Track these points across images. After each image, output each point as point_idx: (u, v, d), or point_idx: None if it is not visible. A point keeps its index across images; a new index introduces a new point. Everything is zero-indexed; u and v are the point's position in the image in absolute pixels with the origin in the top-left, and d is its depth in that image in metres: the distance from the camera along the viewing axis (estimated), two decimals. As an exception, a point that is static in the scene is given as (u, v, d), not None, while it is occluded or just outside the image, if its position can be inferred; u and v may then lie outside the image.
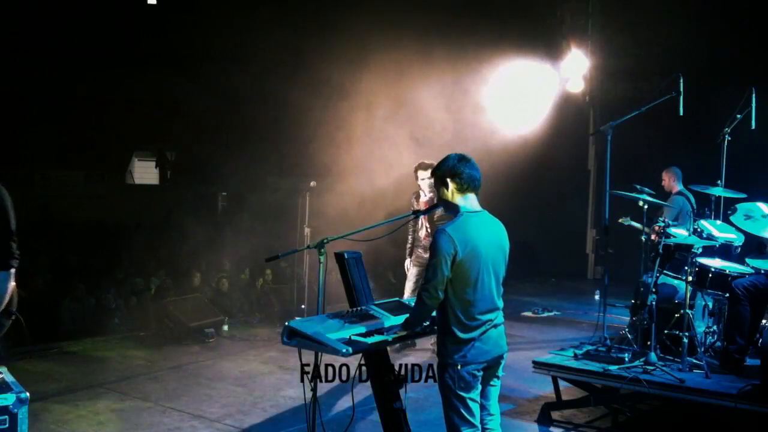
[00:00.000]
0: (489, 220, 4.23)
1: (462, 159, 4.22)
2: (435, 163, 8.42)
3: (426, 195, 8.37)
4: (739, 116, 7.65)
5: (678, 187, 8.99)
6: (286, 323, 4.20)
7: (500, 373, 4.30)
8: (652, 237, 8.85)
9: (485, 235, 4.13)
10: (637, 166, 9.53)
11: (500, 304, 4.23)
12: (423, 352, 8.50)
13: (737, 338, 6.28)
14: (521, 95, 12.16)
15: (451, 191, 4.19)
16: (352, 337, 4.08)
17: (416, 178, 8.52)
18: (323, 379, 4.45)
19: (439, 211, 8.07)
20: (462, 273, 4.02)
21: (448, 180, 4.18)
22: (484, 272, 4.09)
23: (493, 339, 4.14)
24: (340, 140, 11.11)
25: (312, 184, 9.30)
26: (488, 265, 4.11)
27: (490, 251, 4.13)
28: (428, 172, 7.89)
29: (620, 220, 8.90)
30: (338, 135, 11.21)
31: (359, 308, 4.45)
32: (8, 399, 4.29)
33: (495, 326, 4.16)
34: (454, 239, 4.00)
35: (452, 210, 4.22)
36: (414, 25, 12.11)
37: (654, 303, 6.51)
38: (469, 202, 4.20)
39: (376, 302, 4.56)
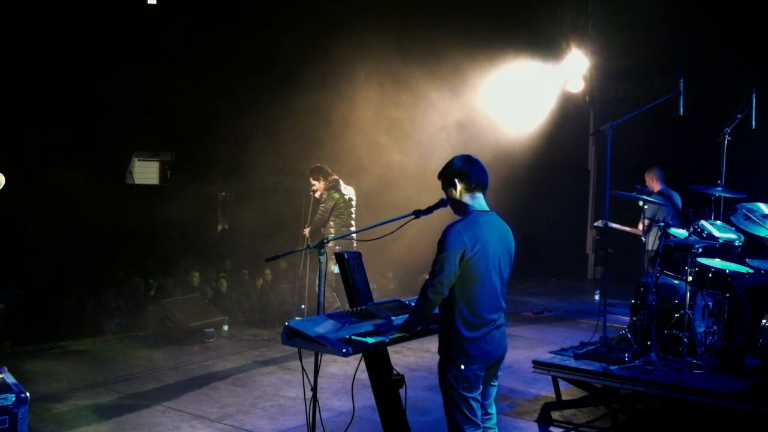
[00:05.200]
0: (497, 220, 4.24)
1: (468, 159, 4.24)
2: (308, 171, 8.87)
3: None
4: (739, 116, 7.66)
5: (659, 186, 9.08)
6: (286, 323, 4.20)
7: (500, 373, 4.31)
8: (643, 237, 8.98)
9: (494, 234, 4.14)
10: (637, 166, 9.54)
11: (504, 304, 4.24)
12: (423, 352, 8.51)
13: (737, 338, 6.28)
14: (521, 95, 12.19)
15: (460, 191, 4.19)
16: (353, 337, 4.08)
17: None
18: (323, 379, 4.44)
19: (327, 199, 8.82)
20: (470, 270, 4.01)
21: (456, 180, 4.19)
22: (492, 270, 4.09)
23: (496, 339, 4.14)
24: (340, 140, 11.13)
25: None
26: (495, 263, 4.12)
27: (498, 250, 4.14)
28: (310, 179, 9.08)
29: (594, 225, 8.93)
30: (339, 135, 11.22)
31: (359, 308, 4.44)
32: (8, 399, 4.30)
33: (498, 327, 4.16)
34: (464, 236, 4.00)
35: (461, 210, 4.22)
36: (414, 25, 12.12)
37: (654, 303, 6.51)
38: (477, 201, 4.21)
39: (376, 302, 4.55)
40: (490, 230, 4.14)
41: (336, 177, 9.09)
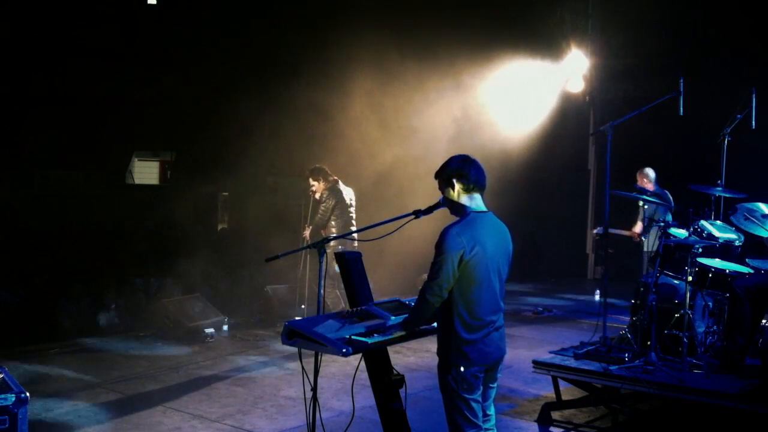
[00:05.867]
0: (495, 221, 4.22)
1: (466, 159, 4.21)
2: (308, 172, 8.90)
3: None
4: (739, 116, 7.66)
5: (652, 186, 9.12)
6: (286, 323, 4.20)
7: (499, 374, 4.30)
8: (635, 239, 9.04)
9: (492, 235, 4.12)
10: (637, 166, 9.56)
11: (503, 305, 4.23)
12: (423, 352, 8.50)
13: (737, 338, 6.28)
14: (521, 95, 12.19)
15: (457, 192, 4.17)
16: (353, 337, 4.08)
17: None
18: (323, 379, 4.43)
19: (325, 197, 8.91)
20: (469, 272, 4.00)
21: (454, 181, 4.17)
22: (490, 272, 4.07)
23: (495, 341, 4.13)
24: (341, 139, 11.12)
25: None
26: (494, 265, 4.10)
27: (496, 251, 4.12)
28: (310, 179, 9.12)
29: (594, 232, 8.98)
30: (339, 134, 11.22)
31: (359, 308, 4.44)
32: (8, 399, 4.29)
33: (497, 328, 4.14)
34: (462, 238, 3.98)
35: (458, 210, 4.20)
36: (414, 25, 12.12)
37: (654, 303, 6.51)
38: (475, 201, 4.19)
39: (376, 302, 4.55)
40: (488, 231, 4.12)
41: (335, 177, 9.11)
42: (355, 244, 8.36)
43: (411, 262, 11.55)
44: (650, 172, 9.31)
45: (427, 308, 4.12)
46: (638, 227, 9.10)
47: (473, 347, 4.05)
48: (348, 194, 9.12)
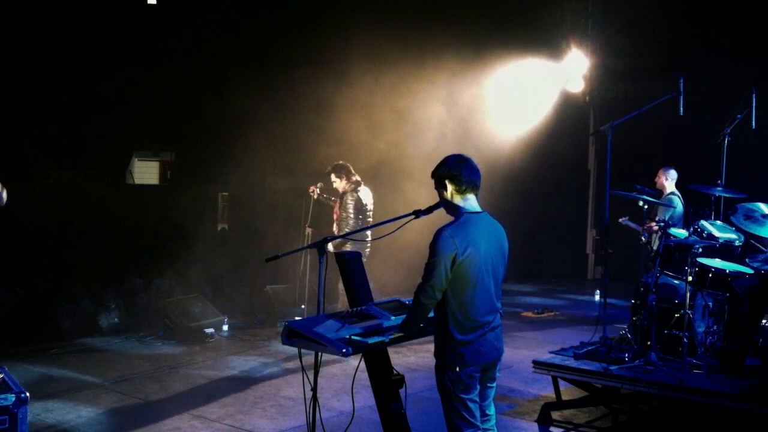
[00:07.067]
0: (489, 221, 4.22)
1: (459, 160, 4.19)
2: (330, 168, 8.61)
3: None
4: (739, 116, 7.67)
5: (671, 187, 9.06)
6: (286, 323, 4.20)
7: (497, 374, 4.30)
8: (643, 237, 8.95)
9: (486, 236, 4.12)
10: (637, 166, 9.56)
11: (498, 305, 4.22)
12: (423, 352, 8.50)
13: (737, 338, 6.28)
14: (521, 95, 12.19)
15: (450, 193, 4.17)
16: (352, 337, 4.08)
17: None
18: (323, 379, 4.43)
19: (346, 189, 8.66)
20: (462, 274, 4.00)
21: (447, 182, 4.16)
22: (484, 273, 4.07)
23: (490, 342, 4.12)
24: (340, 137, 11.12)
25: (319, 185, 9.24)
26: (488, 266, 4.10)
27: (490, 252, 4.11)
28: (332, 175, 8.77)
29: (620, 220, 8.94)
30: (339, 132, 11.22)
31: (359, 308, 4.44)
32: (8, 399, 4.30)
33: (493, 329, 4.14)
34: (455, 239, 3.98)
35: (452, 211, 4.20)
36: (414, 24, 12.12)
37: (654, 303, 6.51)
38: (469, 202, 4.18)
39: (376, 302, 4.55)
40: (482, 232, 4.11)
41: (359, 178, 8.83)
42: (367, 249, 8.26)
43: (412, 260, 11.56)
44: (674, 173, 9.20)
45: (422, 310, 4.12)
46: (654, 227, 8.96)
47: (468, 348, 4.05)
48: (368, 197, 8.86)
